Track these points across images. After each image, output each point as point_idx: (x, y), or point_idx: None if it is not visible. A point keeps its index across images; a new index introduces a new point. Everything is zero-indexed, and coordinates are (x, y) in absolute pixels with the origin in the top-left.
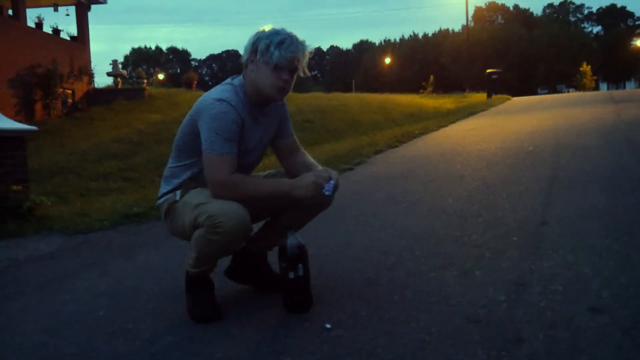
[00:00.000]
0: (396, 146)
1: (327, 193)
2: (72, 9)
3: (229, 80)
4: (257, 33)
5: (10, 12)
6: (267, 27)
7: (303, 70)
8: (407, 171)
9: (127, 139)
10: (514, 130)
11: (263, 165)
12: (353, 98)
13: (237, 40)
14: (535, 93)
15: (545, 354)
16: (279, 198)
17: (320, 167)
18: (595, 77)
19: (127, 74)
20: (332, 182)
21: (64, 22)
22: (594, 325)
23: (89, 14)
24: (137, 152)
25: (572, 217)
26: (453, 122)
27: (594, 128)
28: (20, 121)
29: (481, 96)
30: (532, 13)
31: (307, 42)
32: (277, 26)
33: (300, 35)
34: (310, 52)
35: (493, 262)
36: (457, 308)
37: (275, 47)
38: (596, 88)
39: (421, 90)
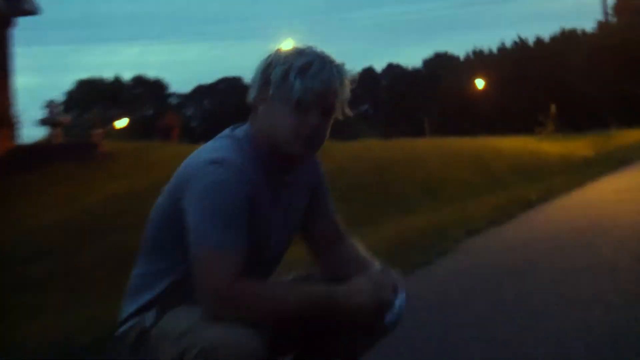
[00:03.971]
0: (501, 222)
1: (389, 320)
2: None
3: (227, 131)
4: (270, 56)
5: None
6: (286, 46)
7: (342, 108)
8: (521, 262)
9: (69, 224)
10: None
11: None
12: (427, 145)
13: (241, 62)
14: None
15: None
16: (319, 315)
17: (378, 266)
18: None
19: (71, 121)
20: (397, 301)
21: None
22: None
23: (13, 30)
24: (86, 245)
25: None
26: (593, 179)
27: None
28: None
29: (637, 134)
30: None
31: (347, 66)
32: (301, 43)
33: (344, 52)
34: (352, 81)
35: None
36: None
37: (297, 74)
38: None
39: (537, 128)
